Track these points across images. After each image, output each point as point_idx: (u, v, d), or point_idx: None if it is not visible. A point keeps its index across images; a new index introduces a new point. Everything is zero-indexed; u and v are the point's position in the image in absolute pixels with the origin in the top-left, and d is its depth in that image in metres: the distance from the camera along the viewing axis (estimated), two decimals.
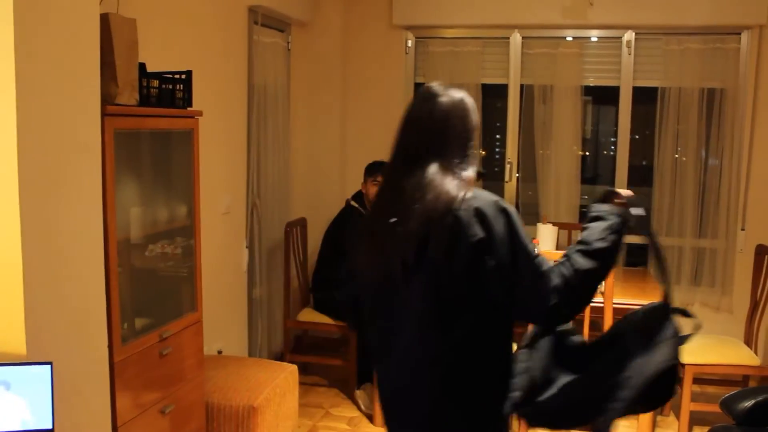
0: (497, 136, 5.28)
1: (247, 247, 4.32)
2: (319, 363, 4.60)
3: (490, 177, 5.23)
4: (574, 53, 4.82)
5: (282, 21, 4.66)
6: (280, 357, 4.50)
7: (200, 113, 2.97)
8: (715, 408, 3.23)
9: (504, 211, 1.70)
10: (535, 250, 1.73)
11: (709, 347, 3.76)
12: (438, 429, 1.82)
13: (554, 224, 4.28)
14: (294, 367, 3.63)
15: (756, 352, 3.80)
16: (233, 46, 4.08)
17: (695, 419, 3.85)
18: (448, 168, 1.79)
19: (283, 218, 4.64)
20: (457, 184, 1.75)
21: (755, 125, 4.59)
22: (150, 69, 2.78)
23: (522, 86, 4.98)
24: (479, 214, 1.68)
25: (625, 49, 4.77)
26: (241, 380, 3.36)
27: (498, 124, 5.21)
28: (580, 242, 1.77)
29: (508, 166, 5.08)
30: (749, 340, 3.89)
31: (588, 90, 4.94)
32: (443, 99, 1.88)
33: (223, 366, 3.52)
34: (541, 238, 4.08)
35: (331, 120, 5.12)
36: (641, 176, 5.01)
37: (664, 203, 4.75)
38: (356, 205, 4.31)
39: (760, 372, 3.74)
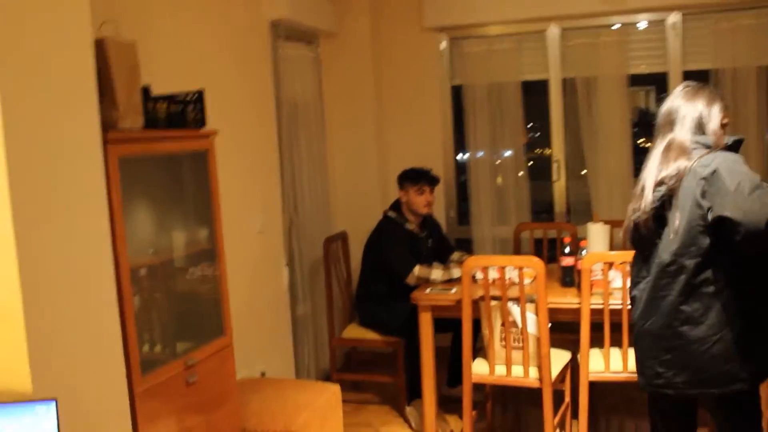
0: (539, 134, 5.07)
1: (287, 265, 4.24)
2: (368, 380, 4.47)
3: (538, 176, 5.02)
4: (617, 41, 4.57)
5: (308, 33, 4.58)
6: (327, 376, 4.39)
7: (215, 132, 2.89)
8: None
9: None
10: None
11: None
12: None
13: (606, 222, 4.03)
14: (337, 387, 3.50)
15: None
16: (256, 62, 4.01)
17: None
18: None
19: (324, 233, 4.54)
20: None
21: None
22: (166, 90, 2.72)
23: (564, 80, 4.76)
24: None
25: (671, 32, 4.49)
26: (280, 404, 3.25)
27: (541, 123, 4.99)
28: None
29: (555, 165, 4.85)
30: None
31: (646, 78, 4.67)
32: None
33: (262, 389, 3.42)
34: (592, 239, 3.84)
35: (367, 130, 5.00)
36: None
37: None
38: (394, 216, 4.17)
39: None
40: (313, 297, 4.50)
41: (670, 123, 2.51)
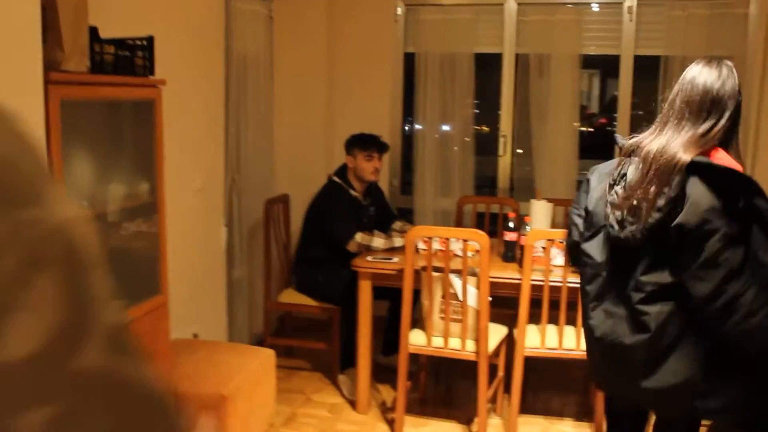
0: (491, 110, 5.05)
1: (225, 225, 4.12)
2: (302, 347, 4.42)
3: (484, 151, 5.01)
4: (573, 20, 4.57)
5: None
6: (261, 340, 4.32)
7: (163, 82, 2.75)
8: None
9: None
10: None
11: None
12: None
13: (549, 200, 4.05)
14: (271, 352, 3.44)
15: None
16: (208, 14, 3.84)
17: None
18: None
19: (265, 195, 4.43)
20: None
21: (764, 94, 4.35)
22: (112, 34, 2.56)
23: (517, 56, 4.74)
24: None
25: (626, 16, 4.52)
26: (213, 367, 3.17)
27: (491, 97, 4.97)
28: None
29: (502, 140, 4.85)
30: None
31: (594, 62, 4.69)
32: None
33: (194, 351, 3.33)
34: (534, 216, 3.86)
35: (316, 93, 4.88)
36: None
37: None
38: (339, 181, 4.09)
39: None
40: (250, 259, 4.40)
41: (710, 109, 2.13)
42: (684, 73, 2.22)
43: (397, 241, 3.90)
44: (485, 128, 5.11)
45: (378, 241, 3.88)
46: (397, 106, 4.98)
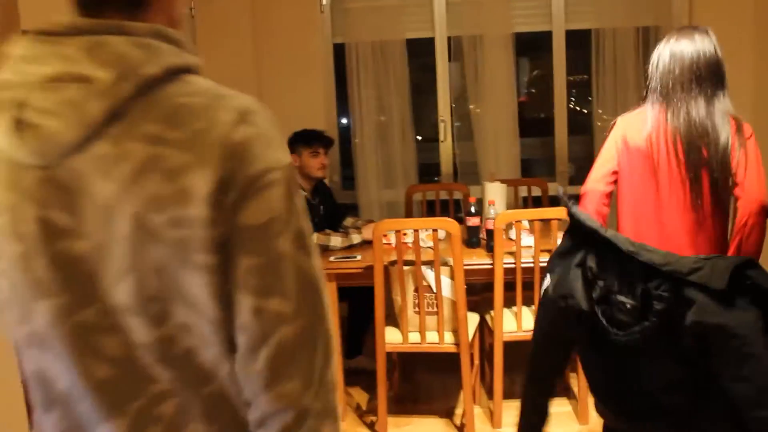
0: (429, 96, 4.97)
1: None
2: None
3: (424, 137, 4.92)
4: None
5: None
6: None
7: None
8: None
9: None
10: None
11: None
12: None
13: (502, 181, 4.00)
14: None
15: None
16: None
17: None
18: None
19: None
20: None
21: None
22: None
23: (450, 39, 4.66)
24: None
25: None
26: None
27: (428, 83, 4.89)
28: None
29: (441, 125, 4.77)
30: None
31: (524, 42, 4.65)
32: None
33: None
34: (491, 198, 3.79)
35: (242, 90, 4.62)
36: (581, 125, 4.81)
37: None
38: None
39: None
40: None
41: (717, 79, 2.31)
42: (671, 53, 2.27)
43: (356, 238, 3.75)
44: (423, 115, 5.02)
45: (336, 240, 3.72)
46: (330, 100, 4.82)
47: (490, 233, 3.45)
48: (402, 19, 4.62)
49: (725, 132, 2.25)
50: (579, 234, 1.93)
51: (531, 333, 3.27)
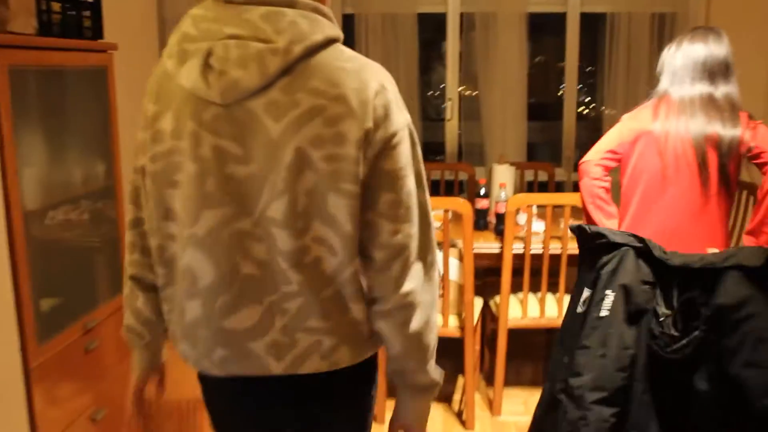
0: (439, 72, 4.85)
1: None
2: None
3: (430, 116, 4.81)
4: None
5: None
6: None
7: (114, 46, 2.38)
8: None
9: None
10: None
11: None
12: None
13: (511, 164, 3.91)
14: None
15: None
16: None
17: None
18: None
19: None
20: None
21: None
22: None
23: (462, 15, 4.53)
24: None
25: None
26: (188, 369, 2.84)
27: (436, 61, 4.77)
28: None
29: (448, 104, 4.66)
30: None
31: (533, 25, 4.53)
32: None
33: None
34: (501, 180, 3.70)
35: None
36: (589, 111, 4.72)
37: None
38: None
39: None
40: None
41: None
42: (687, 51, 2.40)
43: None
44: (431, 92, 4.91)
45: None
46: None
47: (500, 217, 3.37)
48: None
49: (734, 121, 2.32)
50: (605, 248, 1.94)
51: (536, 321, 3.23)
